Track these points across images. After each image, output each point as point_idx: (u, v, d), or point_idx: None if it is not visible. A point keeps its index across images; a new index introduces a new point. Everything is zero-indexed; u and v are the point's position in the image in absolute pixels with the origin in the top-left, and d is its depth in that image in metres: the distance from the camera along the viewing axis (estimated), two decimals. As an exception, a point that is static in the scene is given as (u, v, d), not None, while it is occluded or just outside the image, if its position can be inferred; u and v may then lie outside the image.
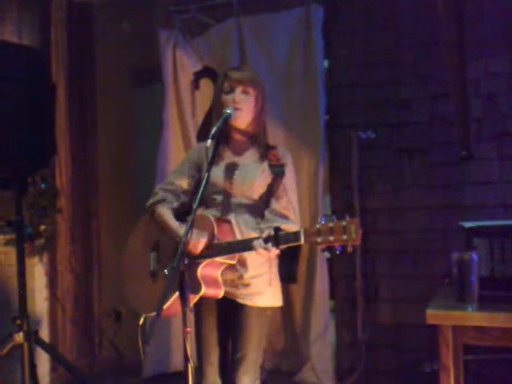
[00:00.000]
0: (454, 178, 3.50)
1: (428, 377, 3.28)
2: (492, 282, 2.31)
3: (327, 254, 2.04)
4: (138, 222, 2.55)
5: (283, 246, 2.10)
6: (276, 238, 2.06)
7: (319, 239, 1.97)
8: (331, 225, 1.95)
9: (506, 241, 2.32)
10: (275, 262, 2.38)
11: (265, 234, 2.10)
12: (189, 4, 3.93)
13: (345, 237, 1.92)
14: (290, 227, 2.19)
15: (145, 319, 2.15)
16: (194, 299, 2.19)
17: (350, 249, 1.94)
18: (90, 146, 4.23)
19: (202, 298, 2.21)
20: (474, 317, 2.17)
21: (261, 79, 2.43)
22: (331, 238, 1.94)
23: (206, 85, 3.96)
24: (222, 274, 2.24)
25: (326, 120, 3.70)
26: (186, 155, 2.55)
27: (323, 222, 1.98)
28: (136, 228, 2.54)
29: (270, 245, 2.06)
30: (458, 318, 2.19)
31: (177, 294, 2.04)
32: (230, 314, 2.34)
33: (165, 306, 2.14)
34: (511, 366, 3.09)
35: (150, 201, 2.43)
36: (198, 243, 2.16)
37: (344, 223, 1.93)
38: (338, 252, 1.96)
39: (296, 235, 2.04)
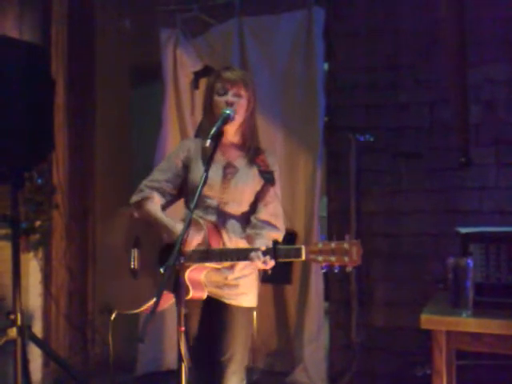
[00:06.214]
0: (450, 183, 3.51)
1: (420, 381, 3.28)
2: (487, 289, 2.32)
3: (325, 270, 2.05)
4: (114, 217, 2.48)
5: (282, 260, 2.10)
6: (275, 251, 2.07)
7: (320, 258, 2.00)
8: (333, 246, 1.98)
9: (501, 247, 2.33)
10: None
11: (263, 247, 2.08)
12: (190, 3, 3.93)
13: (346, 258, 1.96)
14: (274, 235, 2.22)
15: (120, 316, 2.13)
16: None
17: (348, 269, 1.98)
18: (87, 142, 4.22)
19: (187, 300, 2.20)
20: (468, 323, 2.17)
21: (252, 79, 2.40)
22: (332, 259, 1.98)
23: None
24: (206, 276, 2.23)
25: (324, 122, 3.71)
26: (172, 153, 2.45)
27: (324, 240, 2.01)
28: (113, 224, 2.48)
29: (268, 257, 2.07)
30: (452, 324, 2.19)
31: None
32: (214, 314, 2.32)
33: (150, 303, 2.14)
34: (504, 372, 3.10)
35: (136, 197, 2.36)
36: (192, 241, 2.14)
37: (346, 246, 1.96)
38: (336, 271, 2.00)
39: (297, 251, 2.05)
